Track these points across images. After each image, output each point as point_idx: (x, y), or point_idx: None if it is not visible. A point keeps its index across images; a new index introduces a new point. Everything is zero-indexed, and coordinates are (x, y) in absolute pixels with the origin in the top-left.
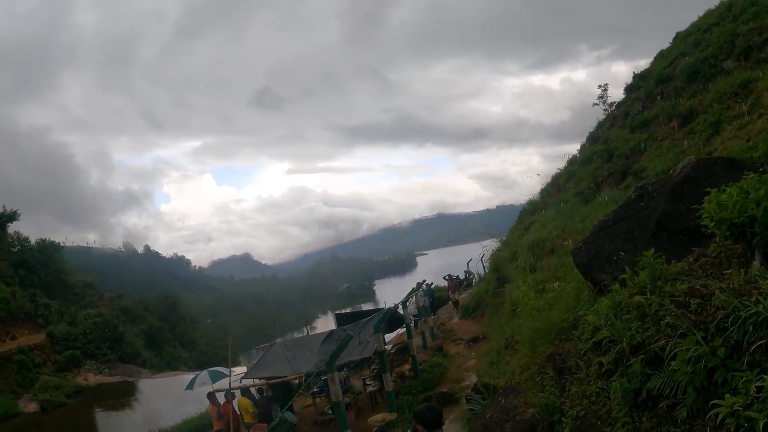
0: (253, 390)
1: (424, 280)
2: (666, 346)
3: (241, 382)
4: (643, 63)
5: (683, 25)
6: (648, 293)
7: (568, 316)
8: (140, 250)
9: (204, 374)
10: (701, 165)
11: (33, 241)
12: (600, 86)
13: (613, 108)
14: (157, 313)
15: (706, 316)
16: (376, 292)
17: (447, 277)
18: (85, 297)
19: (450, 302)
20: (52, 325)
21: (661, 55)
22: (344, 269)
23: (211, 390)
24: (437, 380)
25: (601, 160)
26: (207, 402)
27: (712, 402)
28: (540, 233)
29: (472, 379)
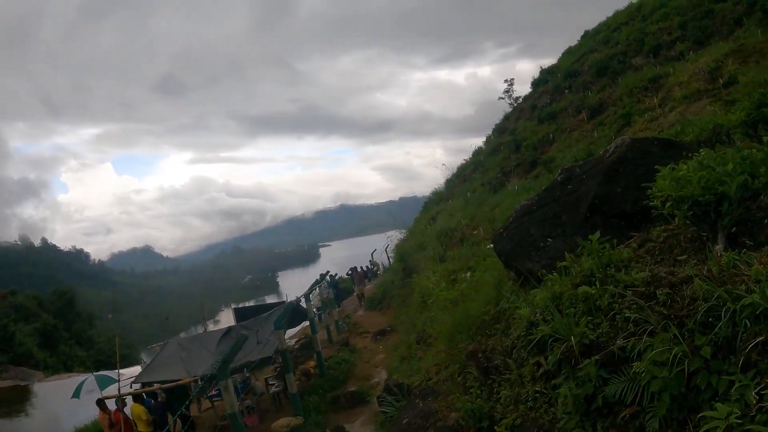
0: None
1: (328, 272)
2: (626, 345)
3: (131, 387)
4: (549, 61)
5: (591, 25)
6: (597, 283)
7: (489, 309)
8: (37, 243)
9: (90, 380)
10: (637, 145)
11: None
12: (506, 81)
13: (520, 101)
14: (52, 310)
15: (679, 309)
16: (279, 283)
17: (350, 272)
18: None
19: (354, 294)
20: None
21: (569, 52)
22: (247, 261)
23: (100, 397)
24: (345, 378)
25: (509, 151)
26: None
27: (701, 414)
28: (448, 222)
29: (382, 375)
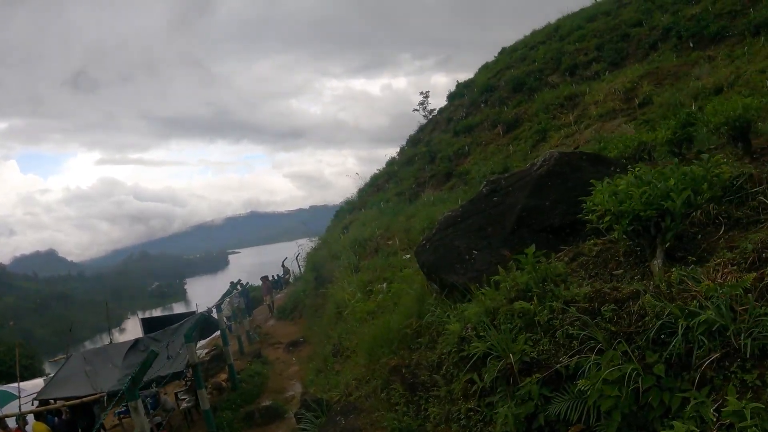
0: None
1: (239, 280)
2: (570, 363)
3: (33, 404)
4: (465, 76)
5: (508, 43)
6: (534, 298)
7: (411, 322)
8: None
9: None
10: (566, 159)
11: None
12: (421, 93)
13: (435, 113)
14: None
15: (627, 326)
16: (187, 291)
17: (263, 278)
18: None
19: (264, 303)
20: None
21: (486, 67)
22: (155, 267)
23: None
24: (258, 391)
25: (424, 162)
26: None
27: None
28: (362, 232)
29: (297, 388)
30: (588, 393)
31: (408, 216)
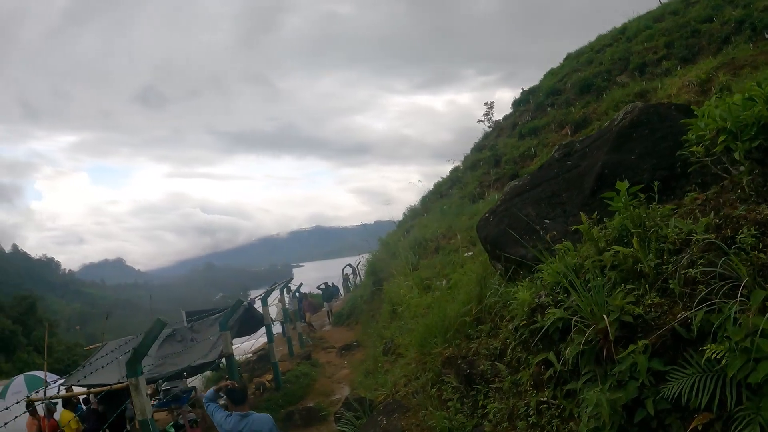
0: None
1: (301, 283)
2: (693, 319)
3: (59, 390)
4: (530, 85)
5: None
6: (634, 242)
7: (470, 309)
8: (7, 249)
9: (19, 380)
10: (652, 108)
11: None
12: (486, 104)
13: (500, 120)
14: (12, 315)
15: None
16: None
17: (322, 286)
18: None
19: (323, 309)
20: None
21: (551, 73)
22: (220, 278)
23: (29, 399)
24: (303, 393)
25: (488, 166)
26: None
27: None
28: (423, 233)
29: (345, 391)
30: (724, 362)
31: (471, 215)
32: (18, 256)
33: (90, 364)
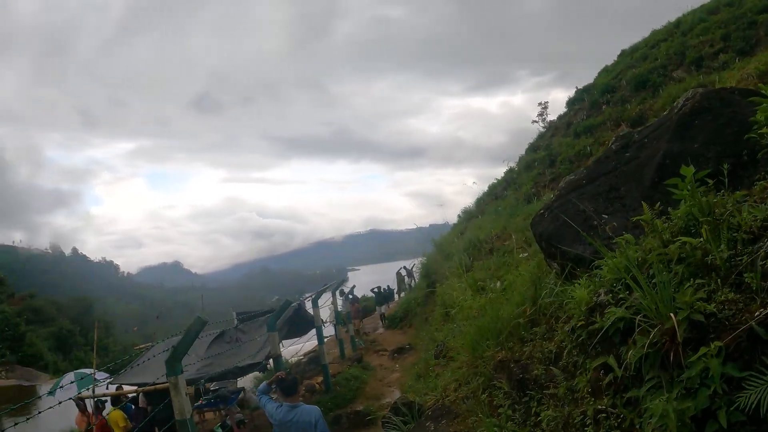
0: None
1: (354, 285)
2: None
3: (108, 388)
4: (575, 99)
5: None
6: (703, 232)
7: (524, 310)
8: (68, 252)
9: (69, 377)
10: (713, 94)
11: None
12: (540, 104)
13: (555, 120)
14: (70, 315)
15: None
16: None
17: (375, 290)
18: None
19: (376, 312)
20: None
21: (606, 71)
22: (275, 281)
23: (78, 396)
24: (353, 396)
25: (543, 166)
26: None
27: None
28: (477, 234)
29: (395, 395)
30: None
31: (525, 215)
32: (78, 259)
33: (138, 364)
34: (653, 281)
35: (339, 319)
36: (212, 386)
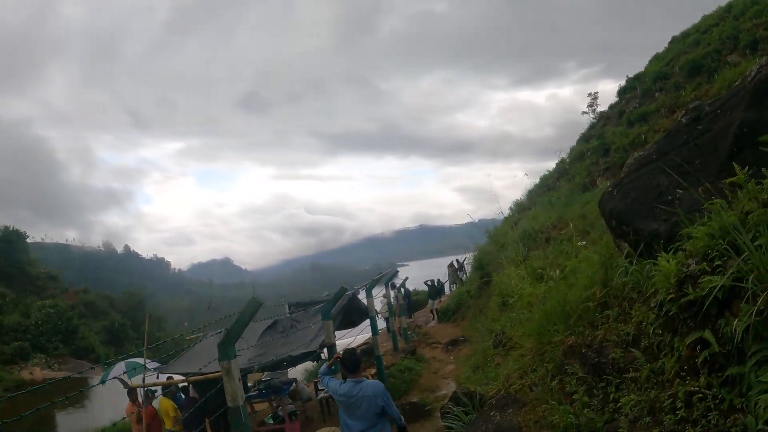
0: (187, 390)
1: (407, 278)
2: None
3: (158, 377)
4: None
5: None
6: None
7: (593, 293)
8: (120, 249)
9: (120, 366)
10: None
11: None
12: (589, 94)
13: (606, 110)
14: (122, 309)
15: None
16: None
17: (429, 282)
18: (47, 289)
19: (428, 305)
20: (4, 314)
21: (657, 58)
22: (325, 277)
23: (129, 385)
24: (407, 388)
25: (597, 156)
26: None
27: None
28: (532, 224)
29: (450, 387)
30: None
31: (583, 203)
32: (130, 256)
33: (188, 354)
34: (756, 243)
35: (392, 312)
36: (263, 376)
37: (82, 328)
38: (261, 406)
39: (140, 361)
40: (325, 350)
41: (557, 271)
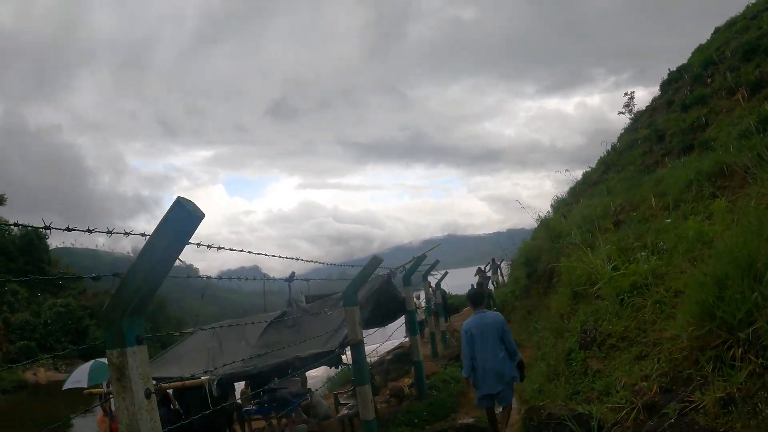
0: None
1: (446, 272)
2: None
3: None
4: (659, 91)
5: (704, 40)
6: None
7: None
8: None
9: (83, 368)
10: None
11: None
12: (626, 94)
13: (651, 102)
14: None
15: None
16: None
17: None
18: (65, 289)
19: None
20: (16, 313)
21: (701, 49)
22: None
23: (87, 391)
24: (453, 403)
25: (650, 144)
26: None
27: None
28: (592, 211)
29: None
30: None
31: (655, 182)
32: None
33: (171, 355)
34: None
35: (429, 311)
36: (271, 384)
37: (94, 329)
38: (260, 423)
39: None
40: (348, 351)
41: (644, 253)
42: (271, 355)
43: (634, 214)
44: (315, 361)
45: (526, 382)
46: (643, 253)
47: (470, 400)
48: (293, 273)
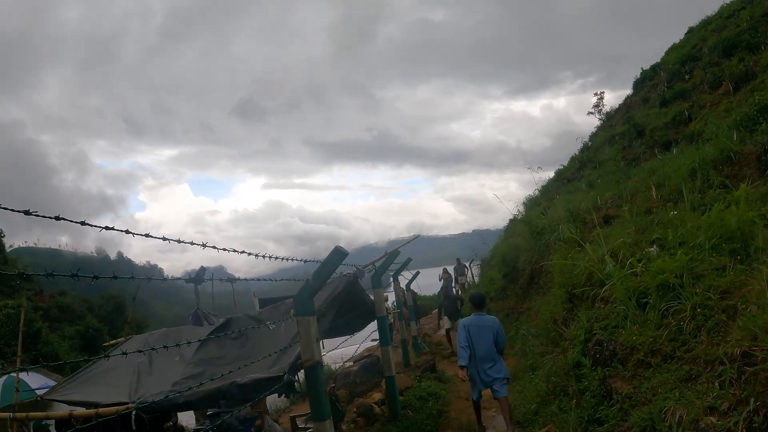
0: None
1: (418, 272)
2: None
3: (38, 402)
4: (628, 91)
5: (670, 45)
6: None
7: None
8: (113, 256)
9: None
10: None
11: None
12: (596, 94)
13: (626, 99)
14: (99, 314)
15: None
16: None
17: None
18: (21, 291)
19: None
20: None
21: (674, 48)
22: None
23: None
24: (433, 425)
25: (629, 139)
26: None
27: None
28: (576, 206)
29: (499, 423)
30: None
31: (649, 173)
32: (123, 262)
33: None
34: None
35: (401, 315)
36: (209, 411)
37: (46, 332)
38: None
39: (28, 378)
40: (299, 375)
41: (653, 248)
42: (206, 377)
43: (626, 207)
44: (258, 388)
45: (518, 400)
46: (651, 249)
47: (452, 422)
48: (203, 268)
